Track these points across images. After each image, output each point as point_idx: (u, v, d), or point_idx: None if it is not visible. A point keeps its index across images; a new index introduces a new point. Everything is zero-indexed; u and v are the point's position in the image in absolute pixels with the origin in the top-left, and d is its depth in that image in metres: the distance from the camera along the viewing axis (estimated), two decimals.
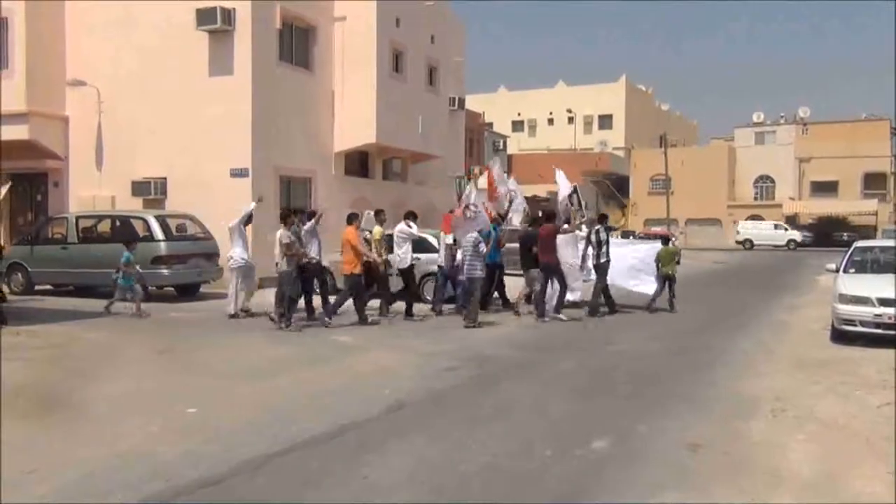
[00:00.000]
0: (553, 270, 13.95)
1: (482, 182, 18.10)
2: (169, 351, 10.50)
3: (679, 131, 73.74)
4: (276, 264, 13.05)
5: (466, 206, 14.09)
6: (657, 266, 15.05)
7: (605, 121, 68.39)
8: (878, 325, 10.83)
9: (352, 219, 13.63)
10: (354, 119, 21.53)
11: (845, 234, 49.01)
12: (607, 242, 14.87)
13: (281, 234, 12.90)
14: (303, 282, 13.60)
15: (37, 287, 17.15)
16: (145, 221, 16.48)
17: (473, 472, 5.62)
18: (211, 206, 17.51)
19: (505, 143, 51.61)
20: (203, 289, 17.44)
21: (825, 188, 57.16)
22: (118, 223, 17.31)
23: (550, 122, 69.15)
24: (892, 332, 10.65)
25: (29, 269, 17.01)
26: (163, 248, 15.98)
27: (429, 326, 13.26)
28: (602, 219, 15.39)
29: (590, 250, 14.89)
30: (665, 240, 16.27)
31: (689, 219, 55.88)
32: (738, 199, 58.75)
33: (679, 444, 6.29)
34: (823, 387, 8.48)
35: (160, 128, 19.07)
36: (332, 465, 5.74)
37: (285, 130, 19.72)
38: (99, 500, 4.98)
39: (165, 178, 19.21)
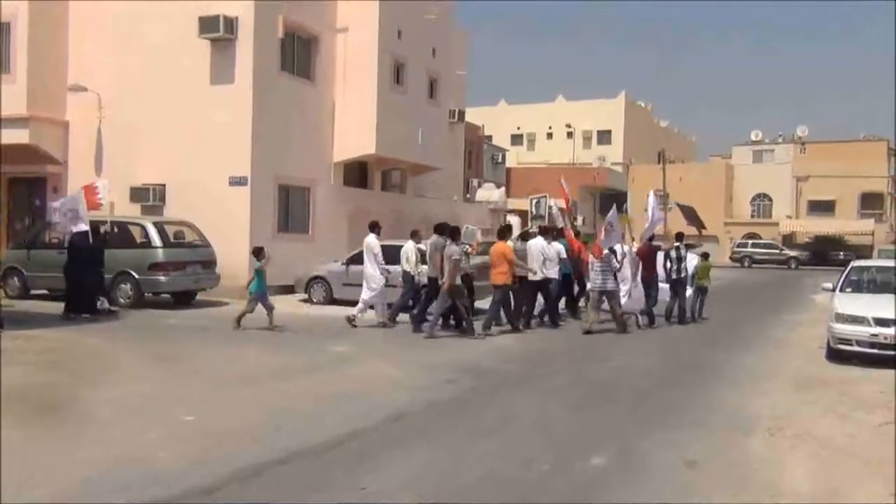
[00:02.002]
0: (651, 285, 15.32)
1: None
2: (166, 358, 10.47)
3: (678, 148, 73.93)
4: (417, 275, 14.24)
5: (610, 224, 15.06)
6: (693, 278, 16.16)
7: (604, 136, 68.50)
8: (873, 345, 10.85)
9: (504, 233, 14.50)
10: (354, 130, 21.55)
11: (842, 253, 49.07)
12: (685, 259, 16.13)
13: (452, 249, 13.21)
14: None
15: (33, 292, 17.09)
16: (143, 228, 16.47)
17: (472, 484, 5.61)
18: (209, 214, 17.52)
19: (504, 156, 51.64)
20: (200, 296, 17.41)
21: (822, 207, 57.33)
22: (116, 229, 17.27)
23: (549, 136, 69.23)
24: (887, 353, 10.67)
25: (25, 274, 16.97)
26: (160, 254, 15.97)
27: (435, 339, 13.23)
28: (679, 237, 16.88)
29: (668, 265, 15.89)
30: (705, 255, 17.24)
31: (686, 235, 55.88)
32: (736, 216, 58.88)
33: (677, 461, 6.29)
34: (822, 406, 8.49)
35: (160, 134, 19.07)
36: (331, 475, 5.73)
37: (285, 139, 19.74)
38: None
39: (164, 185, 19.20)
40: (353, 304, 16.75)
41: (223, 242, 17.28)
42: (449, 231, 13.83)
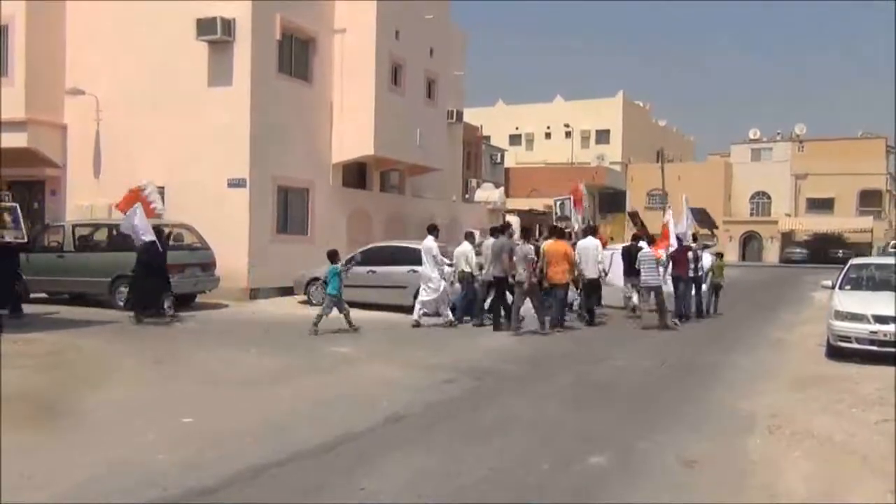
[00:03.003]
0: (683, 281, 16.13)
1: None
2: (165, 360, 10.47)
3: (676, 147, 73.97)
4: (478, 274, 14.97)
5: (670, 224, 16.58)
6: (708, 276, 17.01)
7: (603, 135, 68.50)
8: (873, 342, 10.86)
9: (562, 234, 15.37)
10: (353, 131, 21.55)
11: (840, 251, 49.14)
12: (701, 258, 16.93)
13: (527, 248, 13.91)
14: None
15: (32, 295, 17.05)
16: None
17: (471, 484, 5.61)
18: (208, 216, 17.50)
19: (502, 156, 51.67)
20: (199, 298, 17.40)
21: (821, 205, 57.39)
22: (115, 232, 17.26)
23: (548, 136, 69.23)
24: (887, 350, 10.68)
25: (24, 277, 16.92)
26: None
27: (430, 337, 13.24)
28: (695, 237, 17.69)
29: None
30: (719, 255, 18.22)
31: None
32: (735, 215, 58.94)
33: (676, 461, 6.29)
34: (820, 404, 8.49)
35: (158, 137, 19.06)
36: (329, 477, 5.73)
37: (283, 141, 19.74)
38: None
39: (163, 188, 19.16)
40: (353, 305, 16.78)
41: (222, 244, 17.25)
42: (508, 231, 15.01)
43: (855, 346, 11.05)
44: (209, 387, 8.88)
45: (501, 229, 15.14)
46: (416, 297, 15.86)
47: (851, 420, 7.74)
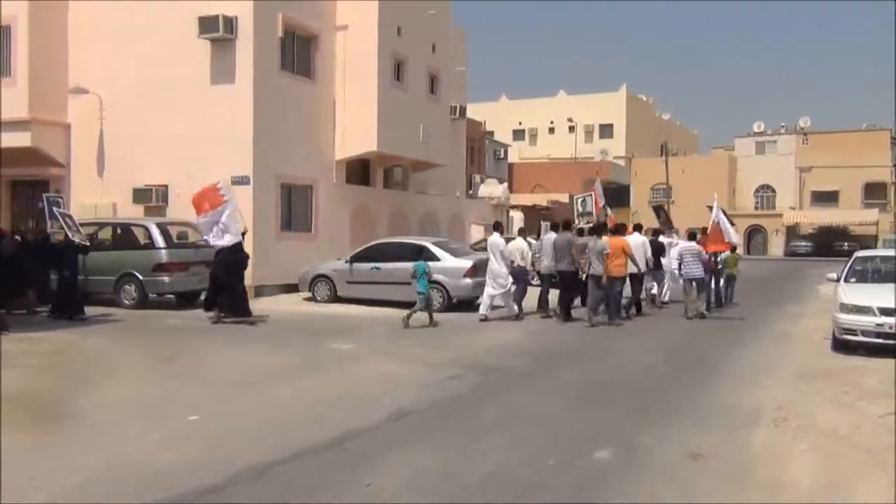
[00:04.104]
0: (708, 273, 16.73)
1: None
2: (170, 358, 10.49)
3: (680, 140, 73.81)
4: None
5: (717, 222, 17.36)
6: (723, 268, 17.63)
7: (606, 130, 68.43)
8: (878, 335, 10.84)
9: (622, 229, 16.08)
10: (355, 127, 21.54)
11: (846, 243, 49.00)
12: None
13: (602, 244, 14.40)
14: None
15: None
16: (146, 229, 16.49)
17: (476, 481, 5.61)
18: None
19: (506, 151, 51.58)
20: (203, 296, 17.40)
21: (825, 198, 57.20)
22: (119, 230, 17.31)
23: (551, 130, 69.19)
24: (892, 342, 10.65)
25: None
26: (164, 255, 16.00)
27: (431, 334, 13.25)
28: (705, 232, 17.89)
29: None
30: (732, 248, 18.58)
31: (689, 227, 55.80)
32: (739, 208, 58.71)
33: (681, 455, 6.29)
34: (825, 397, 8.48)
35: (161, 135, 19.07)
36: (334, 474, 5.74)
37: (286, 138, 19.74)
38: None
39: (167, 186, 19.21)
40: (357, 302, 16.86)
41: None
42: (572, 227, 15.72)
43: (860, 338, 11.03)
44: (214, 385, 8.90)
45: (565, 225, 15.75)
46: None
47: (857, 413, 7.74)
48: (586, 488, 5.51)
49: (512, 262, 15.14)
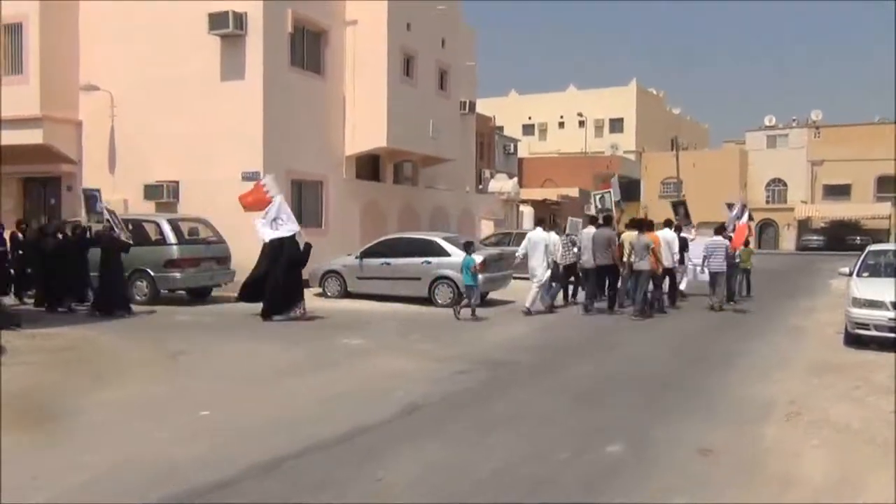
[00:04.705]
0: (729, 267, 16.84)
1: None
2: (181, 354, 10.53)
3: (690, 134, 73.47)
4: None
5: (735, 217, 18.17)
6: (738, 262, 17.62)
7: (616, 124, 68.16)
8: (891, 329, 10.77)
9: (652, 226, 15.98)
10: (365, 123, 21.56)
11: (858, 237, 48.69)
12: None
13: (647, 239, 14.82)
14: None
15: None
16: (158, 225, 16.53)
17: (487, 476, 5.62)
18: (223, 210, 17.54)
19: (515, 146, 51.51)
20: (215, 292, 17.49)
21: (838, 192, 56.84)
22: (130, 226, 17.36)
23: (561, 125, 68.97)
24: None
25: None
26: (175, 251, 16.04)
27: (442, 329, 13.25)
28: (723, 227, 18.08)
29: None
30: (747, 242, 18.79)
31: (700, 222, 55.54)
32: (750, 202, 58.29)
33: (691, 450, 6.27)
34: (837, 391, 8.44)
35: (172, 132, 19.14)
36: (345, 468, 5.75)
37: (296, 134, 19.77)
38: (113, 500, 5.01)
39: (178, 182, 19.28)
40: (367, 297, 16.90)
41: (237, 238, 17.32)
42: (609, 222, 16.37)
43: (873, 333, 10.97)
44: (224, 380, 8.93)
45: (606, 220, 16.44)
46: (431, 288, 16.06)
47: (869, 408, 7.70)
48: (597, 483, 5.51)
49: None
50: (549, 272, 15.46)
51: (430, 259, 16.47)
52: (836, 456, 6.20)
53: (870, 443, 6.51)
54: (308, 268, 18.31)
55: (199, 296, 17.09)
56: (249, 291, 14.59)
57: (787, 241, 56.68)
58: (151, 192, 19.36)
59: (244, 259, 17.51)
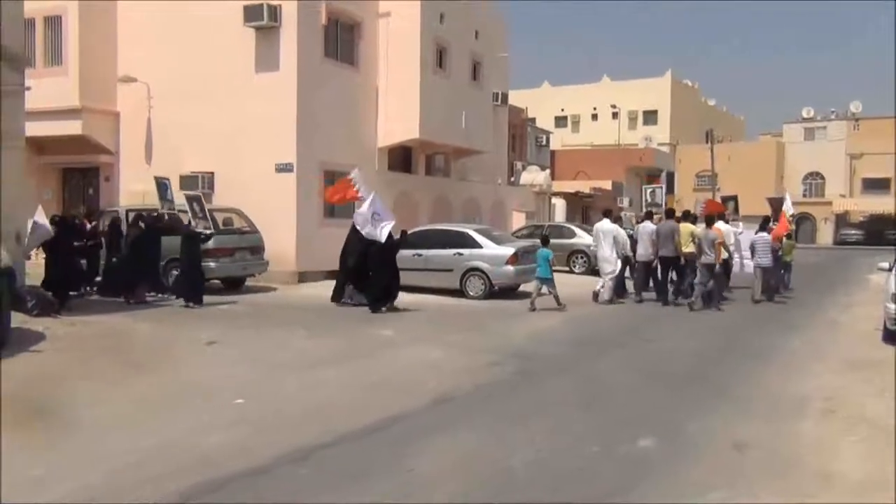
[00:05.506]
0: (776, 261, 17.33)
1: None
2: (216, 342, 10.66)
3: (726, 127, 72.52)
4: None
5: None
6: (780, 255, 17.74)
7: (650, 116, 67.51)
8: None
9: (713, 220, 16.17)
10: (398, 115, 21.60)
11: None
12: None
13: (714, 234, 15.21)
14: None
15: None
16: None
17: (519, 466, 5.62)
18: (257, 200, 17.73)
19: (548, 138, 51.11)
20: (248, 282, 17.67)
21: (877, 185, 55.80)
22: (166, 217, 17.56)
23: (594, 117, 68.46)
24: None
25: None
26: (210, 241, 16.19)
27: (472, 320, 13.26)
28: (767, 220, 18.22)
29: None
30: (789, 235, 18.88)
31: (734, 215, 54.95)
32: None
33: (727, 444, 6.22)
34: (875, 388, 8.31)
35: (207, 123, 19.32)
36: (377, 458, 5.79)
37: (329, 126, 19.86)
38: (148, 486, 5.09)
39: (213, 173, 19.47)
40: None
41: (270, 229, 17.49)
42: (684, 216, 16.66)
43: None
44: (258, 369, 9.02)
45: (669, 213, 16.81)
46: (462, 280, 16.10)
47: None
48: (630, 476, 5.48)
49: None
50: (619, 263, 15.86)
51: (461, 251, 16.49)
52: (874, 453, 6.10)
53: None
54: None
55: (232, 285, 17.27)
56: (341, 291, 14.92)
57: (825, 235, 55.82)
58: (187, 182, 19.55)
59: (277, 249, 17.71)
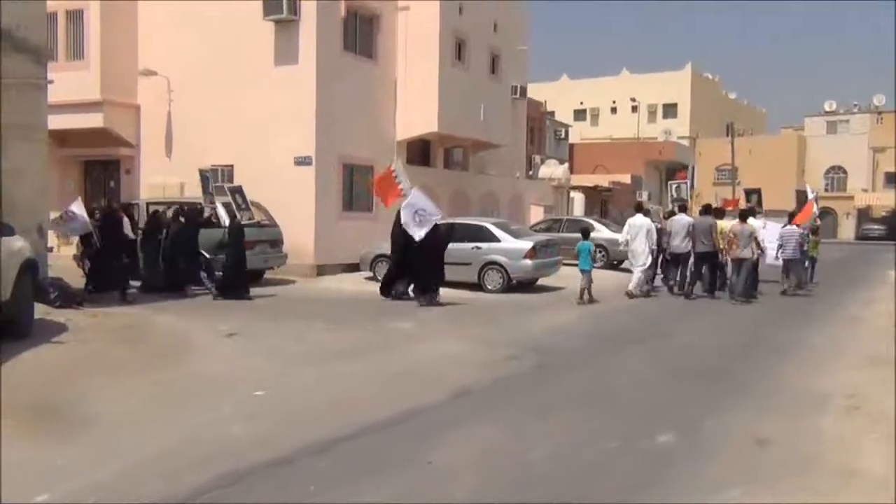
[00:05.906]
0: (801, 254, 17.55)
1: None
2: (236, 334, 10.73)
3: (746, 120, 71.95)
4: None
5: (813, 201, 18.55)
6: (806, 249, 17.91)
7: (670, 110, 67.11)
8: None
9: (745, 215, 16.43)
10: (417, 108, 21.60)
11: None
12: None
13: (750, 229, 15.57)
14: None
15: None
16: (212, 207, 16.78)
17: (538, 460, 5.62)
18: (276, 194, 17.79)
19: (567, 132, 50.99)
20: (267, 274, 17.75)
21: None
22: (185, 209, 17.66)
23: (613, 110, 68.17)
24: None
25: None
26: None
27: (490, 314, 13.26)
28: (792, 216, 18.33)
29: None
30: (814, 231, 19.08)
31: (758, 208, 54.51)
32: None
33: (747, 440, 6.19)
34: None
35: (227, 116, 19.43)
36: (397, 451, 5.81)
37: (348, 119, 19.90)
38: (170, 477, 5.14)
39: (232, 166, 19.57)
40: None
41: (289, 222, 17.56)
42: (714, 211, 16.81)
43: None
44: (279, 361, 9.07)
45: (706, 209, 17.02)
46: (480, 273, 16.09)
47: None
48: (650, 472, 5.47)
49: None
50: (650, 257, 16.08)
51: (480, 245, 16.50)
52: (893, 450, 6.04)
53: None
54: (359, 252, 18.54)
55: (252, 278, 17.33)
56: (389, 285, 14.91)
57: (847, 230, 55.28)
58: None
59: (296, 242, 17.79)
